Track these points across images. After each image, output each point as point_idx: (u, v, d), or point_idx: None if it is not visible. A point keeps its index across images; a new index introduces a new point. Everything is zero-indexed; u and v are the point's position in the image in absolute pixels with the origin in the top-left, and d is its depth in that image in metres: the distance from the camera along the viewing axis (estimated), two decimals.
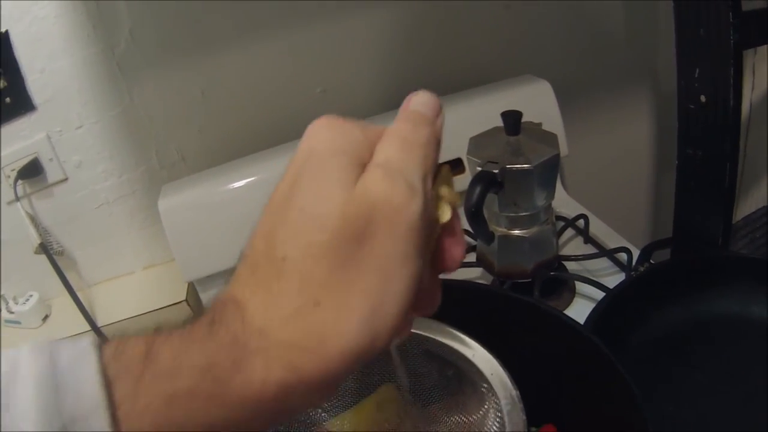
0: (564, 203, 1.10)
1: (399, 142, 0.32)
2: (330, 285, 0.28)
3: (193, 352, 0.28)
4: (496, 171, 0.78)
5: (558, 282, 0.90)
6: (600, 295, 0.83)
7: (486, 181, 0.76)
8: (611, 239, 0.99)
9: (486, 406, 0.47)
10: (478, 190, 0.75)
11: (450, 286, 0.67)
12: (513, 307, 0.62)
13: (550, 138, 0.83)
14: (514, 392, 0.44)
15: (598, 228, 1.03)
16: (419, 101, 0.35)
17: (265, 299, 0.29)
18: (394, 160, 0.31)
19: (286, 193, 0.31)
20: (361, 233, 0.29)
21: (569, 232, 1.03)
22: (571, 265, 0.94)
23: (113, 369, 0.27)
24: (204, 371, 0.28)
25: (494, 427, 0.45)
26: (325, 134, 0.32)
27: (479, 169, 0.79)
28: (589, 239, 1.00)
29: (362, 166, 0.31)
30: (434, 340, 0.49)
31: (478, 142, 0.84)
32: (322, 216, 0.29)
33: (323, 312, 0.28)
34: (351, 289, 0.28)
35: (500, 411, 0.44)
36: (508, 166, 0.78)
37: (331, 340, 0.28)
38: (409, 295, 0.30)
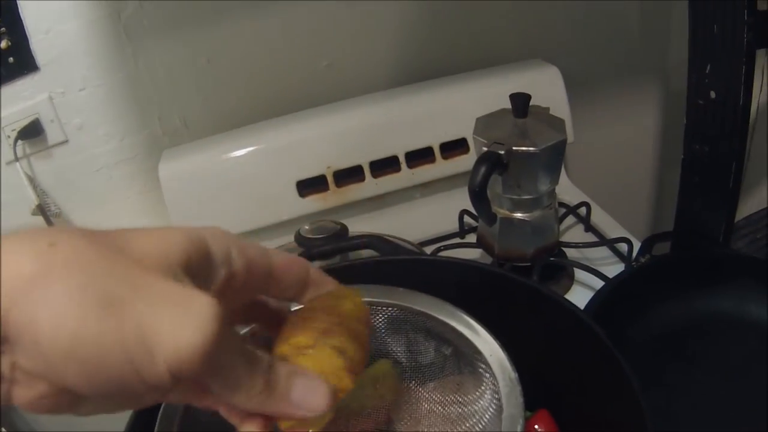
0: (567, 190, 1.10)
1: None
2: None
3: None
4: (501, 152, 0.77)
5: (557, 268, 0.90)
6: (598, 283, 0.83)
7: (491, 162, 0.76)
8: (612, 229, 0.99)
9: (483, 387, 0.46)
10: (483, 170, 0.75)
11: (450, 263, 0.67)
12: (513, 289, 0.62)
13: (558, 123, 0.82)
14: (513, 375, 0.43)
15: (599, 217, 1.02)
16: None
17: None
18: None
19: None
20: None
21: (570, 219, 1.03)
22: (571, 252, 0.94)
23: None
24: None
25: (491, 409, 0.44)
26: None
27: (485, 149, 0.78)
28: (590, 227, 1.00)
29: None
30: (434, 317, 0.48)
31: (485, 123, 0.83)
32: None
33: None
34: None
35: (498, 393, 0.43)
36: (514, 148, 0.77)
37: None
38: None
